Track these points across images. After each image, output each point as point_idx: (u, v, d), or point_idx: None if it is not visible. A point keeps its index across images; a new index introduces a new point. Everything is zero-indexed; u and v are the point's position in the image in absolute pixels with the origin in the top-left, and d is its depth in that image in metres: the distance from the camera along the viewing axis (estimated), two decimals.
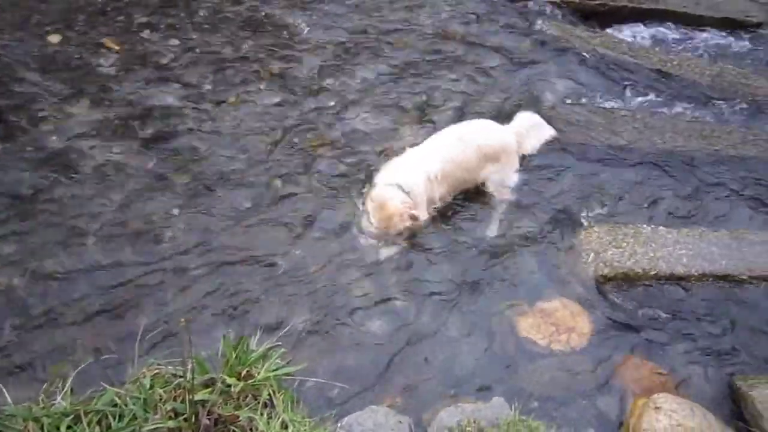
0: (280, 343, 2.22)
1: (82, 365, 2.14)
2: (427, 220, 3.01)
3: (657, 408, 2.29)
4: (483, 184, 3.20)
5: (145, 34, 4.13)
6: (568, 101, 3.93)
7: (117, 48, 3.99)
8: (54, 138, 3.33)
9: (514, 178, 3.27)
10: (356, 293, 2.74)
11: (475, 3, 4.66)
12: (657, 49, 4.61)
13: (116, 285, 2.65)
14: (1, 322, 2.49)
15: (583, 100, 3.96)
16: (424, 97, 3.73)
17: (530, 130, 3.41)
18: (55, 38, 4.07)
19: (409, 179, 2.92)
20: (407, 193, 2.88)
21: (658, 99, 4.06)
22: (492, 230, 3.07)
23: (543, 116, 3.64)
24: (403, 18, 4.38)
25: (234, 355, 2.05)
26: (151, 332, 2.37)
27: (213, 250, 2.82)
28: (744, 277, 2.93)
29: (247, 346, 2.09)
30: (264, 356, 2.11)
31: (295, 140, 3.41)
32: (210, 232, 2.90)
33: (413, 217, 2.86)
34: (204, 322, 2.56)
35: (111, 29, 4.15)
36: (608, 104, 3.96)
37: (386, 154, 3.30)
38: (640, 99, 4.04)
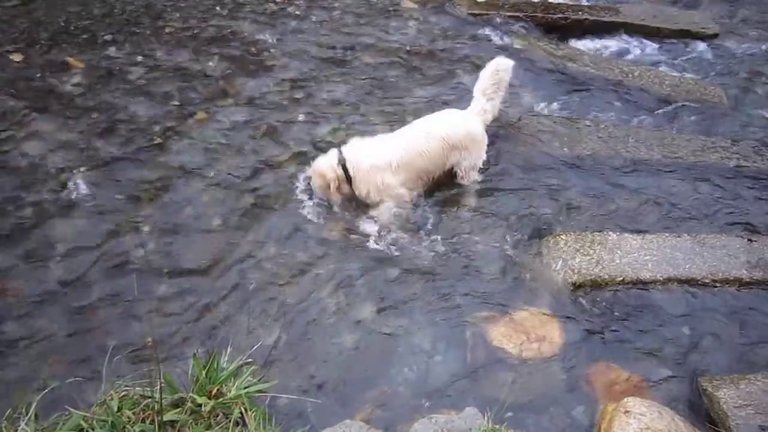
0: (251, 360, 2.18)
1: (47, 389, 2.07)
2: (385, 207, 3.13)
3: (627, 412, 2.31)
4: (452, 169, 3.32)
5: (111, 51, 4.09)
6: (533, 112, 3.99)
7: (81, 66, 3.94)
8: (17, 156, 3.26)
9: (482, 159, 3.37)
10: (327, 306, 2.72)
11: (441, 19, 4.72)
12: (618, 60, 4.72)
13: (82, 305, 2.58)
14: None
15: (548, 111, 4.03)
16: (392, 109, 3.75)
17: (494, 95, 3.45)
18: (17, 57, 4.00)
19: (355, 157, 3.08)
20: (348, 168, 3.05)
21: (620, 109, 4.15)
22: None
23: (508, 127, 3.70)
24: (371, 34, 4.42)
25: (204, 374, 2.01)
26: (119, 353, 2.31)
27: (182, 268, 2.78)
28: (707, 281, 2.99)
29: (217, 364, 2.05)
30: (235, 374, 2.07)
31: (263, 155, 3.39)
32: (179, 249, 2.86)
33: (340, 190, 3.07)
34: (173, 341, 2.51)
35: (75, 47, 4.10)
36: (572, 115, 4.03)
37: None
38: (602, 109, 4.12)
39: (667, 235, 3.21)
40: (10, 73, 3.84)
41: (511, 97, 4.06)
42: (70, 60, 3.98)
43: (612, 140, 3.82)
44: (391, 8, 4.80)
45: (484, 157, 3.37)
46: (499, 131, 3.73)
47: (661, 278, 2.96)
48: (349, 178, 3.09)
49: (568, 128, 3.87)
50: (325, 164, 3.07)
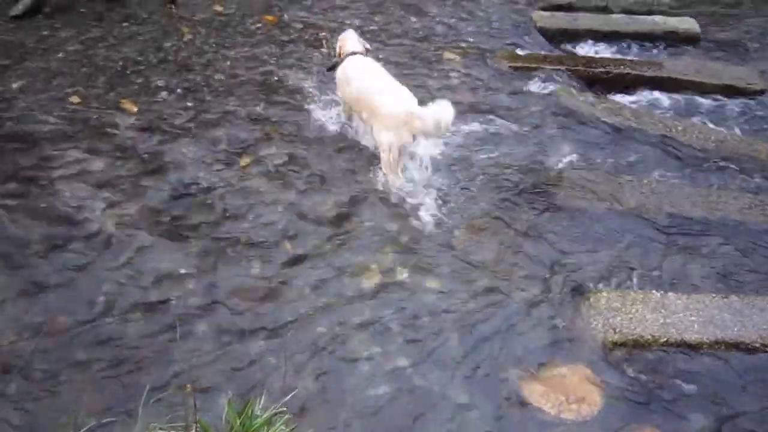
0: (284, 408, 2.17)
1: (84, 429, 2.10)
2: None
3: None
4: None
5: (163, 95, 4.26)
6: (575, 166, 3.97)
7: (134, 109, 4.11)
8: (68, 194, 3.38)
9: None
10: (361, 355, 2.70)
11: (482, 71, 4.79)
12: (661, 115, 4.69)
13: (121, 344, 2.63)
14: (3, 380, 2.47)
15: (589, 165, 4.00)
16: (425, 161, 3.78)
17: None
18: (75, 99, 4.20)
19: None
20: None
21: (664, 164, 4.10)
22: None
23: (549, 181, 3.71)
24: (411, 84, 4.48)
25: (239, 422, 2.01)
26: (156, 394, 2.33)
27: (221, 312, 2.81)
28: (757, 345, 2.87)
29: (251, 412, 2.05)
30: (268, 422, 2.06)
31: (306, 202, 3.44)
32: (218, 293, 2.90)
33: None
34: (209, 382, 2.52)
35: (129, 91, 4.29)
36: (614, 169, 3.99)
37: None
38: (645, 165, 4.07)
39: (713, 295, 3.11)
40: (68, 114, 4.03)
41: (552, 150, 4.06)
42: (125, 103, 4.16)
43: (655, 196, 3.77)
44: (433, 59, 4.89)
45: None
46: (540, 183, 3.72)
47: (708, 341, 2.86)
48: None
49: (609, 182, 3.83)
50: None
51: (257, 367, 2.60)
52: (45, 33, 5.15)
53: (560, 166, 3.94)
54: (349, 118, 3.98)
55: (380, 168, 3.59)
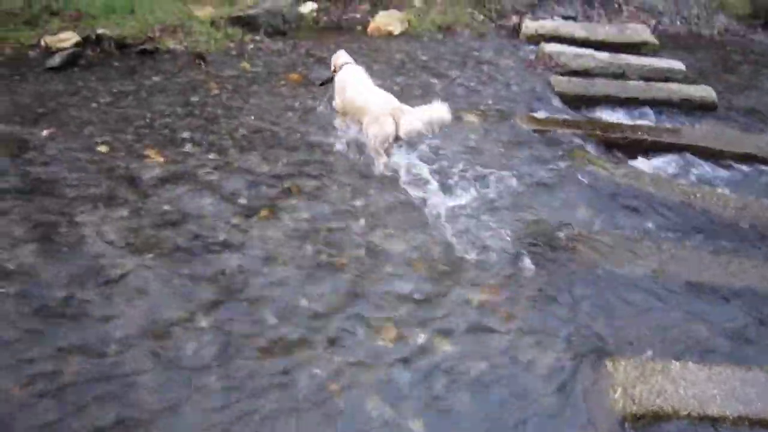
0: None
1: None
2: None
3: None
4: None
5: (188, 147, 4.37)
6: (592, 229, 3.96)
7: (160, 159, 4.21)
8: (90, 242, 3.44)
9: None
10: (376, 418, 2.64)
11: (501, 133, 4.86)
12: (679, 181, 4.69)
13: (132, 397, 2.61)
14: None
15: (607, 229, 3.99)
16: (444, 221, 3.81)
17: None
18: (103, 148, 4.32)
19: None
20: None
21: (683, 230, 4.07)
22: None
23: (565, 243, 3.69)
24: (431, 142, 4.58)
25: None
26: None
27: (235, 366, 2.78)
28: None
29: None
30: None
31: (322, 257, 3.46)
32: (233, 348, 2.88)
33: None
34: None
35: (156, 142, 4.41)
36: (632, 234, 3.97)
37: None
38: (664, 230, 4.05)
39: (736, 367, 3.02)
40: (95, 161, 4.15)
41: (569, 213, 4.07)
42: (150, 153, 4.27)
43: (674, 262, 3.73)
44: (454, 121, 4.96)
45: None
46: (556, 245, 3.71)
47: (731, 416, 2.76)
48: None
49: (627, 248, 3.81)
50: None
51: (268, 424, 2.56)
52: (79, 84, 5.36)
53: (577, 228, 3.93)
54: (345, 122, 4.63)
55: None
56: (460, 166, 4.37)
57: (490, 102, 5.40)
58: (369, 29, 7.03)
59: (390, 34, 6.91)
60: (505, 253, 3.63)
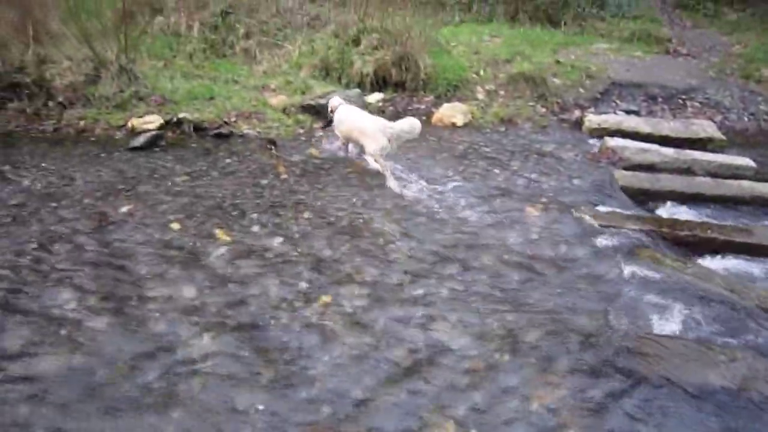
0: None
1: None
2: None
3: None
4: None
5: (255, 229, 4.53)
6: (658, 333, 3.79)
7: (228, 239, 4.37)
8: (157, 316, 3.55)
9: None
10: None
11: (563, 226, 4.82)
12: (753, 284, 4.47)
13: None
14: None
15: (674, 333, 3.81)
16: (510, 318, 3.73)
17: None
18: (176, 226, 4.53)
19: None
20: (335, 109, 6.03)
21: (760, 338, 3.83)
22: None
23: (627, 345, 3.56)
24: (492, 236, 4.58)
25: None
26: None
27: None
28: None
29: None
30: None
31: (380, 347, 3.44)
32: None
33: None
34: None
35: (225, 222, 4.60)
36: (702, 339, 3.77)
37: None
38: (738, 337, 3.83)
39: None
40: (167, 239, 4.34)
41: (632, 313, 3.92)
42: (219, 233, 4.44)
43: (750, 373, 3.50)
44: (513, 212, 4.99)
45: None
46: (620, 349, 3.56)
47: None
48: None
49: (697, 354, 3.60)
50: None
51: None
52: (158, 164, 5.71)
53: (642, 331, 3.77)
54: (345, 145, 6.03)
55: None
56: (520, 259, 4.33)
57: (551, 194, 5.40)
58: (433, 120, 7.27)
59: (453, 125, 7.11)
60: (568, 353, 3.51)
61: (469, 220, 4.81)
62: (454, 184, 5.48)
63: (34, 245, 4.20)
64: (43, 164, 5.70)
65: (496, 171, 5.83)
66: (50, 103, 7.02)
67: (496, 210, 5.02)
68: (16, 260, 4.01)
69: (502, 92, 8.08)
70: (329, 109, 6.09)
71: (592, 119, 7.36)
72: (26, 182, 5.27)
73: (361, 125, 5.61)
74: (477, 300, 3.88)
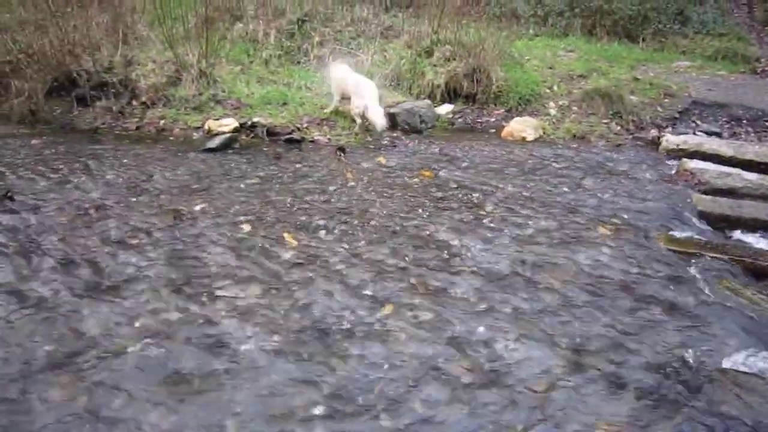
0: None
1: None
2: None
3: None
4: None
5: (321, 234, 4.59)
6: (740, 367, 3.57)
7: (294, 243, 4.44)
8: (222, 314, 3.65)
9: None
10: None
11: (636, 249, 4.64)
12: None
13: None
14: None
15: (757, 370, 3.58)
16: (577, 340, 3.62)
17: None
18: (246, 227, 4.65)
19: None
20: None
21: None
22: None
23: (701, 379, 3.38)
24: (560, 255, 4.46)
25: None
26: None
27: None
28: None
29: None
30: None
31: (440, 362, 3.40)
32: None
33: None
34: None
35: (293, 226, 4.68)
36: None
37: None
38: None
39: None
40: (237, 239, 4.46)
41: (710, 346, 3.71)
42: (287, 236, 4.53)
43: None
44: (583, 232, 4.85)
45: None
46: (698, 383, 3.38)
47: None
48: None
49: None
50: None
51: None
52: (231, 165, 5.89)
53: (723, 365, 3.56)
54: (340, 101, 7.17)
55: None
56: (589, 281, 4.19)
57: (625, 216, 5.20)
58: (503, 133, 7.19)
59: (523, 140, 7.01)
60: (637, 383, 3.36)
61: (536, 237, 4.70)
62: (522, 200, 5.37)
63: (114, 238, 4.41)
64: (125, 160, 6.00)
65: (566, 189, 5.68)
66: (134, 103, 7.41)
67: (566, 229, 4.88)
68: (95, 254, 4.21)
69: (575, 108, 7.90)
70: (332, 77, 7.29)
71: (669, 139, 7.07)
72: (109, 176, 5.56)
73: (355, 86, 6.76)
74: (542, 319, 3.77)
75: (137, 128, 7.01)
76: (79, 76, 7.41)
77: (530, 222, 4.92)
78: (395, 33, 9.43)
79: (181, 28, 7.99)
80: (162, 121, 7.08)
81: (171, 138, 6.69)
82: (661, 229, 5.04)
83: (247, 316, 3.64)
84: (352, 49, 9.04)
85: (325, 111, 7.31)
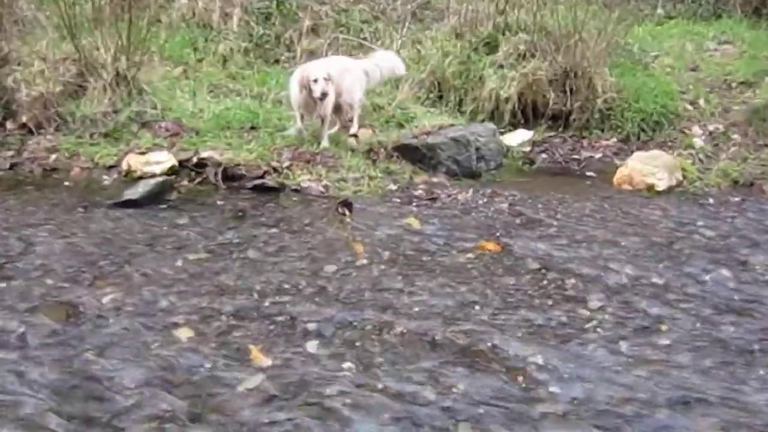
0: None
1: None
2: None
3: None
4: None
5: (311, 347, 4.51)
6: None
7: (266, 363, 4.36)
8: None
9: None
10: None
11: None
12: None
13: None
14: None
15: None
16: None
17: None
18: (184, 332, 4.66)
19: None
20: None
21: None
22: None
23: None
24: (721, 392, 4.30)
25: None
26: None
27: None
28: None
29: None
30: None
31: None
32: None
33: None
34: None
35: (263, 333, 4.67)
36: None
37: None
38: None
39: None
40: (169, 357, 4.35)
41: None
42: (254, 352, 4.45)
43: None
44: (755, 347, 4.74)
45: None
46: None
47: None
48: None
49: None
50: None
51: None
52: (164, 229, 5.96)
53: None
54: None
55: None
56: None
57: None
58: (616, 178, 7.21)
59: (651, 189, 7.03)
60: None
61: (677, 355, 4.58)
62: (651, 291, 5.32)
63: None
64: None
65: (725, 272, 5.62)
66: (8, 125, 7.46)
67: (727, 344, 4.76)
68: None
69: (736, 136, 7.97)
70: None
71: None
72: None
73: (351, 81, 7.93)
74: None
75: (11, 167, 7.05)
76: None
77: (663, 327, 4.84)
78: (436, 14, 9.60)
79: (89, 7, 8.17)
80: (53, 156, 7.13)
81: (66, 183, 6.72)
82: None
83: None
84: (365, 39, 9.18)
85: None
